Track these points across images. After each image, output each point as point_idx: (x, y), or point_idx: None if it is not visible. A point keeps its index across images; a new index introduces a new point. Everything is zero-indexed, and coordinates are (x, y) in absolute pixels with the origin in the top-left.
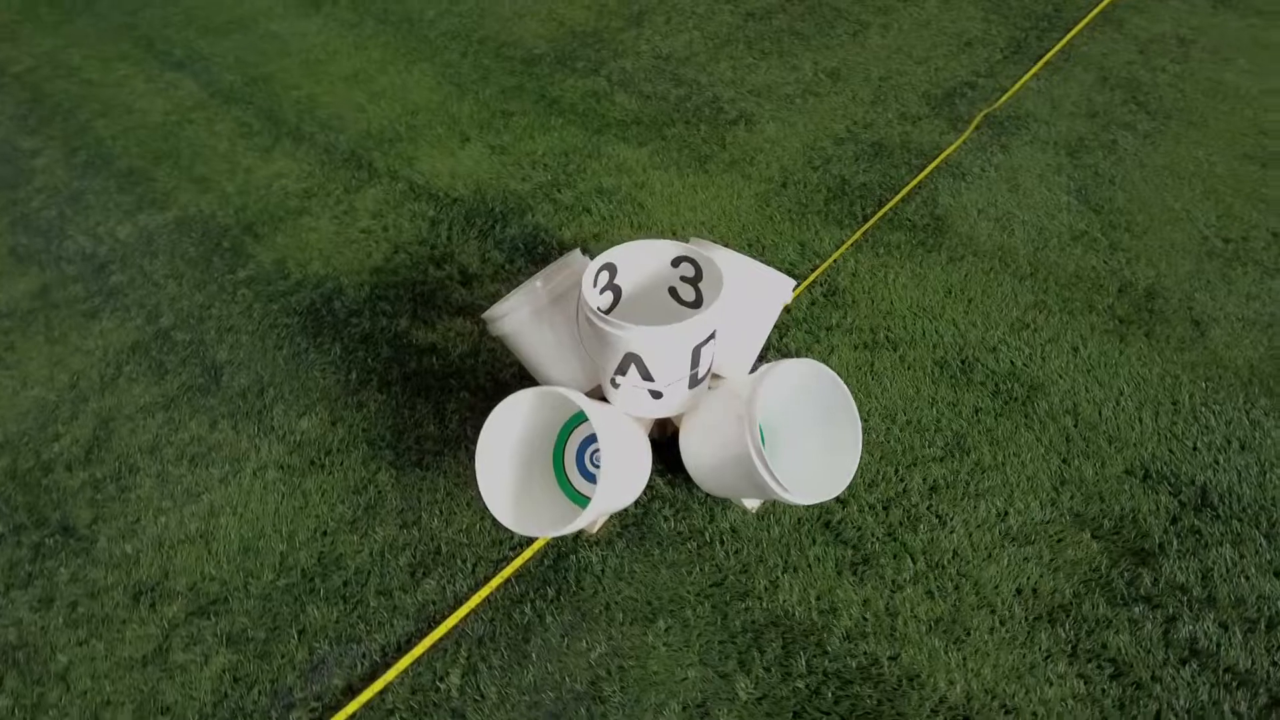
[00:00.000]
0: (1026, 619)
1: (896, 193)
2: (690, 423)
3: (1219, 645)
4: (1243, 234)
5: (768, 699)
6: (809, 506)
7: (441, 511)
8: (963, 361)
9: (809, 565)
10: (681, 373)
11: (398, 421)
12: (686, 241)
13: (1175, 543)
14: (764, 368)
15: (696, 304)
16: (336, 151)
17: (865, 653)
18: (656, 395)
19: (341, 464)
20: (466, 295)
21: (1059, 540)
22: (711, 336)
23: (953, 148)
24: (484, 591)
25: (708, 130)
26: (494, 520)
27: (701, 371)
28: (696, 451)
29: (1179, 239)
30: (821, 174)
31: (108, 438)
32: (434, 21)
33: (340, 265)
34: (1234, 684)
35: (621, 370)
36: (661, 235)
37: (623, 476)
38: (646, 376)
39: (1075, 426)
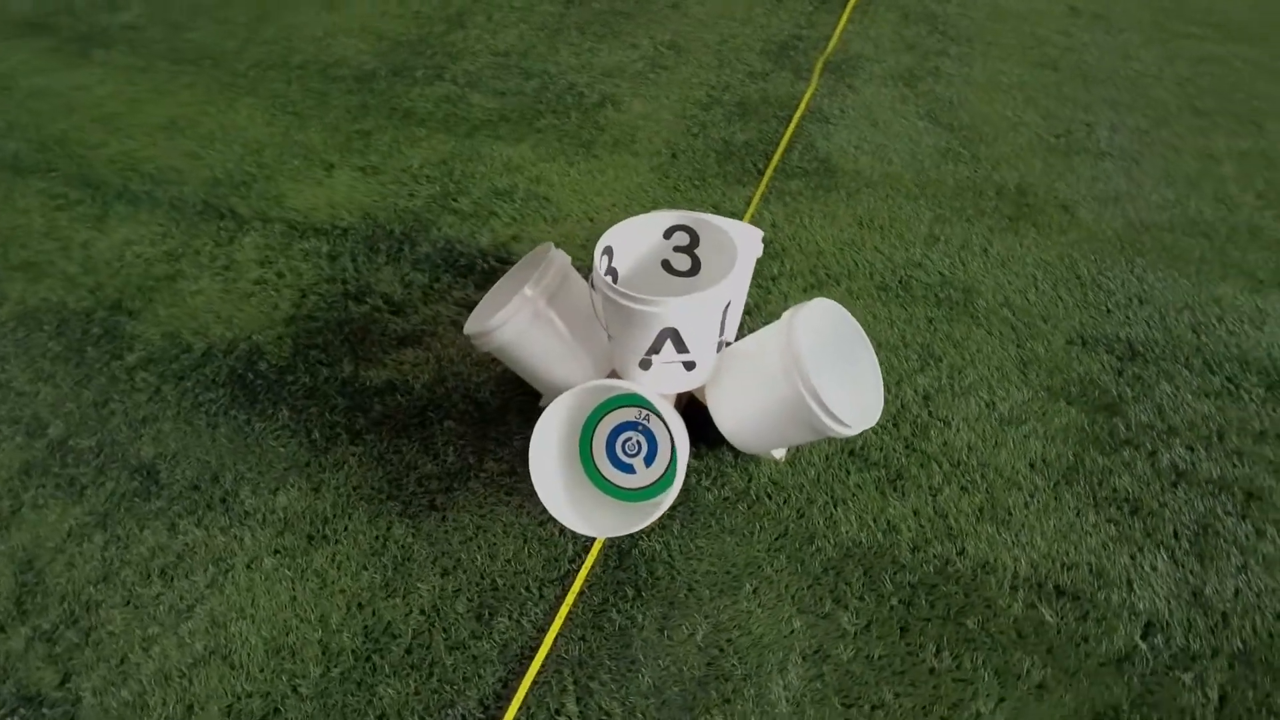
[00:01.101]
0: (1048, 487)
1: (776, 145)
2: (720, 386)
3: (1193, 464)
4: (1066, 129)
5: (873, 624)
6: (831, 441)
7: (480, 546)
8: (900, 282)
9: (853, 494)
10: (713, 339)
11: (389, 470)
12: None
13: (1129, 390)
14: (787, 313)
15: (692, 272)
16: (186, 206)
17: (935, 556)
18: (690, 367)
19: (346, 530)
20: (404, 324)
21: (1043, 414)
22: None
23: (808, 95)
24: (564, 609)
25: (579, 117)
26: (540, 540)
27: (727, 334)
28: (734, 411)
29: (1022, 142)
30: (703, 140)
31: (37, 581)
32: (239, 54)
33: (246, 323)
34: (1216, 491)
35: (655, 349)
36: (578, 224)
37: (686, 451)
38: (682, 349)
39: (1013, 315)
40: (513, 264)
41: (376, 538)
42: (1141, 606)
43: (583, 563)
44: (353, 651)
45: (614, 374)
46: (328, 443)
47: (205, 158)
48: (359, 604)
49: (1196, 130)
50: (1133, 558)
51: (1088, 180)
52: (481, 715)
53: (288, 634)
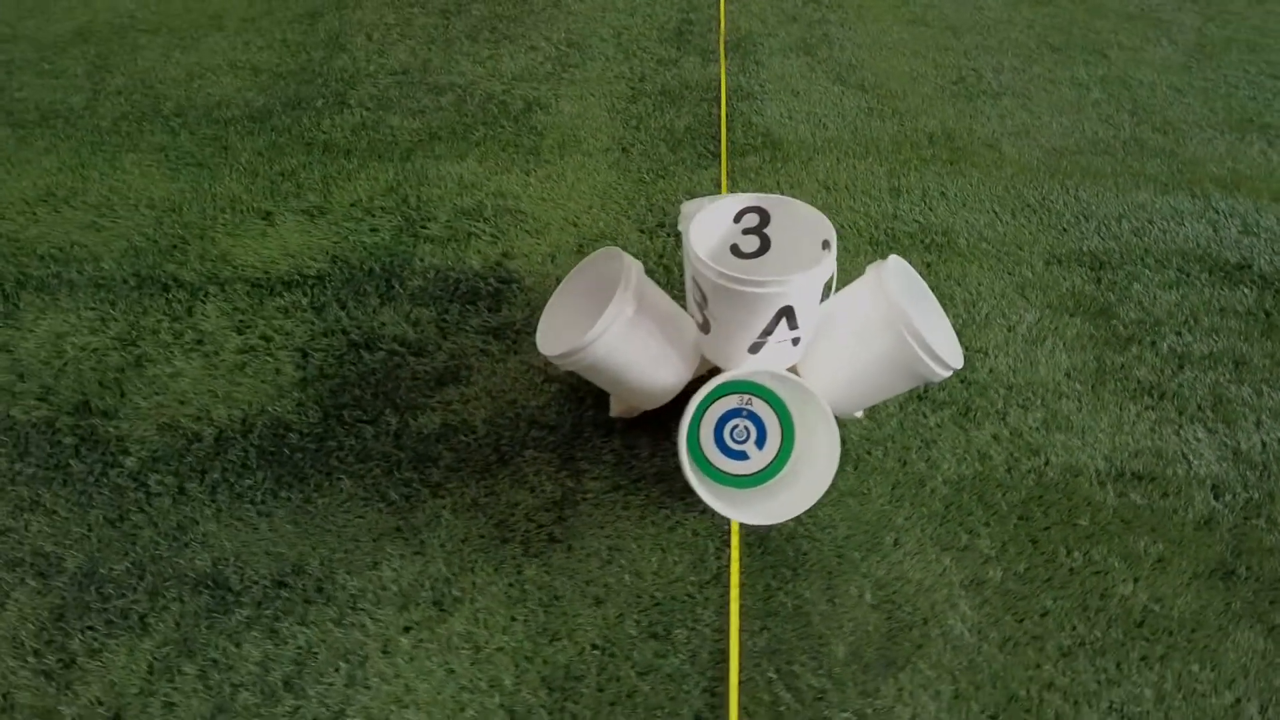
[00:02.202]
0: (1088, 391)
1: (716, 126)
2: (813, 352)
3: (1186, 346)
4: (958, 76)
5: (1007, 544)
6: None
7: (622, 565)
8: (886, 234)
9: (939, 434)
10: (817, 310)
11: (489, 513)
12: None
13: (1111, 295)
14: (870, 270)
15: (760, 252)
16: (115, 283)
17: (1029, 471)
18: (796, 342)
19: (474, 585)
20: (430, 363)
21: (1055, 329)
22: None
23: (724, 75)
24: (734, 605)
25: (511, 125)
26: (679, 545)
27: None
28: (831, 373)
29: (927, 92)
30: (645, 131)
31: None
32: (91, 109)
33: (252, 397)
34: (1212, 364)
35: (769, 330)
36: (563, 231)
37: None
38: (794, 325)
39: (993, 248)
40: (516, 282)
41: (510, 585)
42: (1204, 473)
43: (726, 558)
44: (543, 707)
45: (702, 365)
46: (408, 501)
47: (111, 227)
48: (525, 657)
49: (1059, 64)
50: (1178, 434)
51: (996, 119)
52: None
53: (463, 709)
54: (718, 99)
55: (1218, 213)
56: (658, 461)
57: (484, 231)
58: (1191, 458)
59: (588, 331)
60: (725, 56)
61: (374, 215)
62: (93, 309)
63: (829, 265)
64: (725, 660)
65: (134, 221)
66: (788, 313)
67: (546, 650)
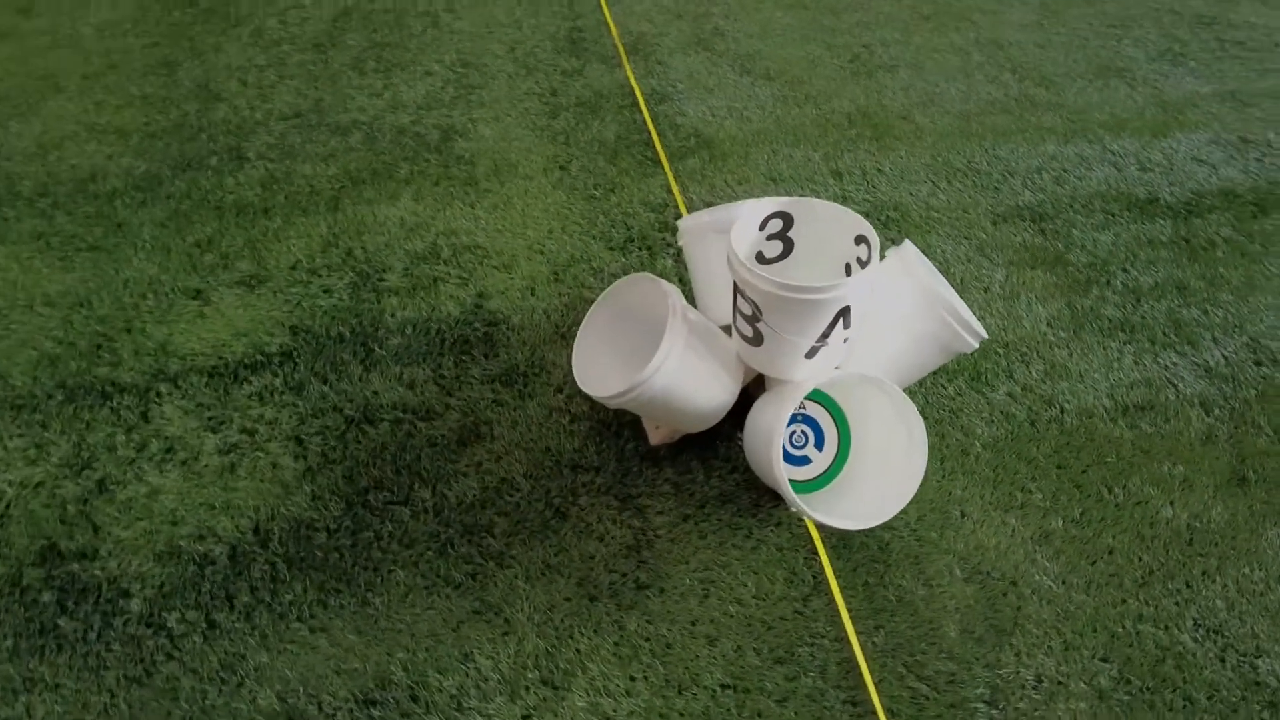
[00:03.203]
0: (1072, 336)
1: (643, 132)
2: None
3: (1135, 279)
4: (852, 55)
5: (1057, 493)
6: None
7: (722, 598)
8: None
9: (962, 403)
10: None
11: (568, 574)
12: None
13: (1058, 243)
14: (891, 255)
15: (783, 256)
16: (39, 401)
17: (1050, 421)
18: (845, 340)
19: (579, 653)
20: (443, 426)
21: (1024, 282)
22: None
23: (634, 80)
24: (844, 611)
25: (435, 157)
26: (769, 564)
27: None
28: (875, 364)
29: (830, 74)
30: (577, 146)
31: None
32: None
33: (256, 501)
34: (1161, 294)
35: (826, 334)
36: (533, 261)
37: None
38: (847, 324)
39: (942, 215)
40: (503, 323)
41: (617, 644)
42: (1190, 393)
43: (818, 567)
44: None
45: (744, 376)
46: (475, 579)
47: (7, 336)
48: (659, 715)
49: (935, 33)
50: (1157, 362)
51: (900, 91)
52: None
53: None
54: (635, 104)
55: (1114, 154)
56: (716, 483)
57: (449, 274)
58: (1176, 382)
59: (641, 366)
60: (629, 60)
61: (321, 275)
62: (20, 436)
63: (875, 267)
64: (855, 669)
65: (34, 325)
66: (844, 313)
67: (679, 703)
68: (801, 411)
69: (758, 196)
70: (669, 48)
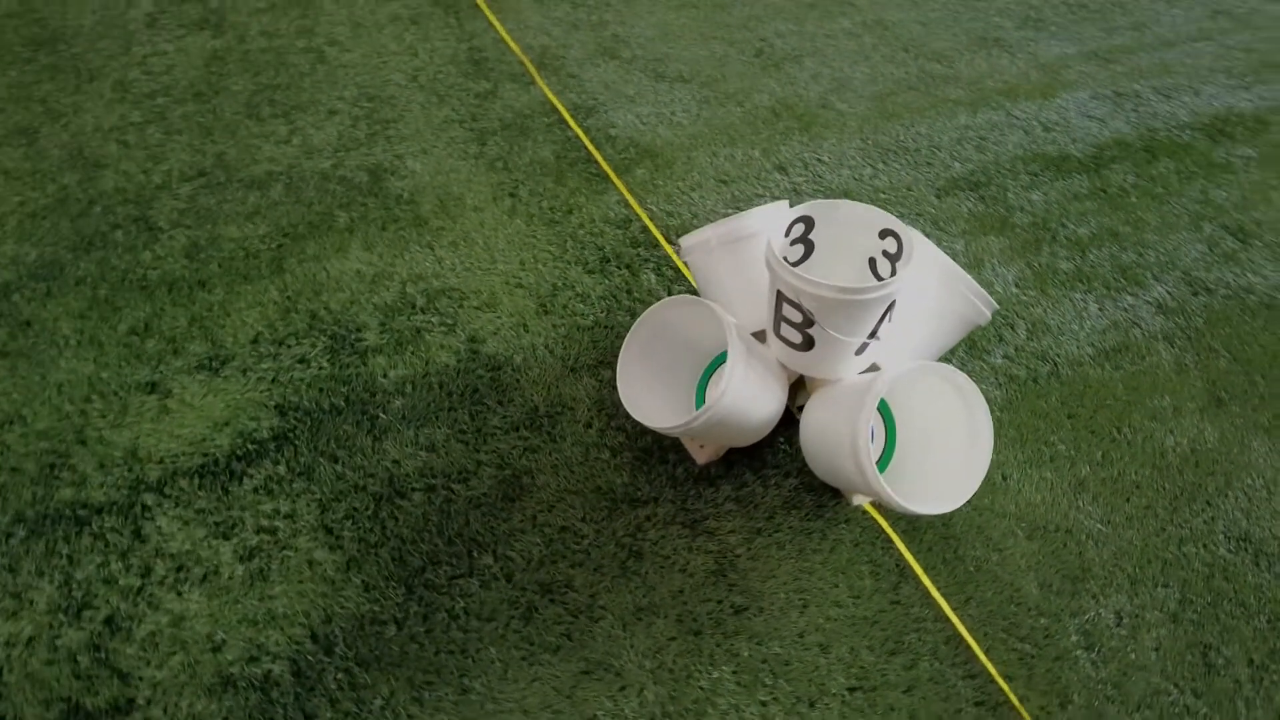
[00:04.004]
0: (1041, 292)
1: (579, 149)
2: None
3: (1075, 232)
4: (755, 50)
5: (1078, 441)
6: None
7: (820, 603)
8: None
9: (966, 370)
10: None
11: (663, 612)
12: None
13: (999, 208)
14: (913, 243)
15: (804, 258)
16: (2, 536)
17: (1048, 376)
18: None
19: (704, 693)
20: (481, 486)
21: (987, 249)
22: None
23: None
24: (935, 593)
25: (373, 200)
26: (852, 562)
27: None
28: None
29: (740, 70)
30: (518, 170)
31: None
32: None
33: (302, 607)
34: (1100, 242)
35: (875, 331)
36: (513, 296)
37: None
38: (891, 318)
39: (890, 195)
40: (506, 365)
41: (736, 672)
42: (1153, 330)
43: (896, 555)
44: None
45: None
46: (572, 639)
47: None
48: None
49: (824, 20)
50: (1117, 305)
51: (811, 80)
52: (990, 710)
53: None
54: (562, 121)
55: (1018, 119)
56: (775, 492)
57: (430, 323)
58: (1138, 322)
59: (687, 390)
60: (539, 76)
61: (290, 345)
62: None
63: (917, 252)
64: (962, 643)
65: None
66: (891, 307)
67: (814, 716)
68: None
69: (716, 200)
70: (576, 59)
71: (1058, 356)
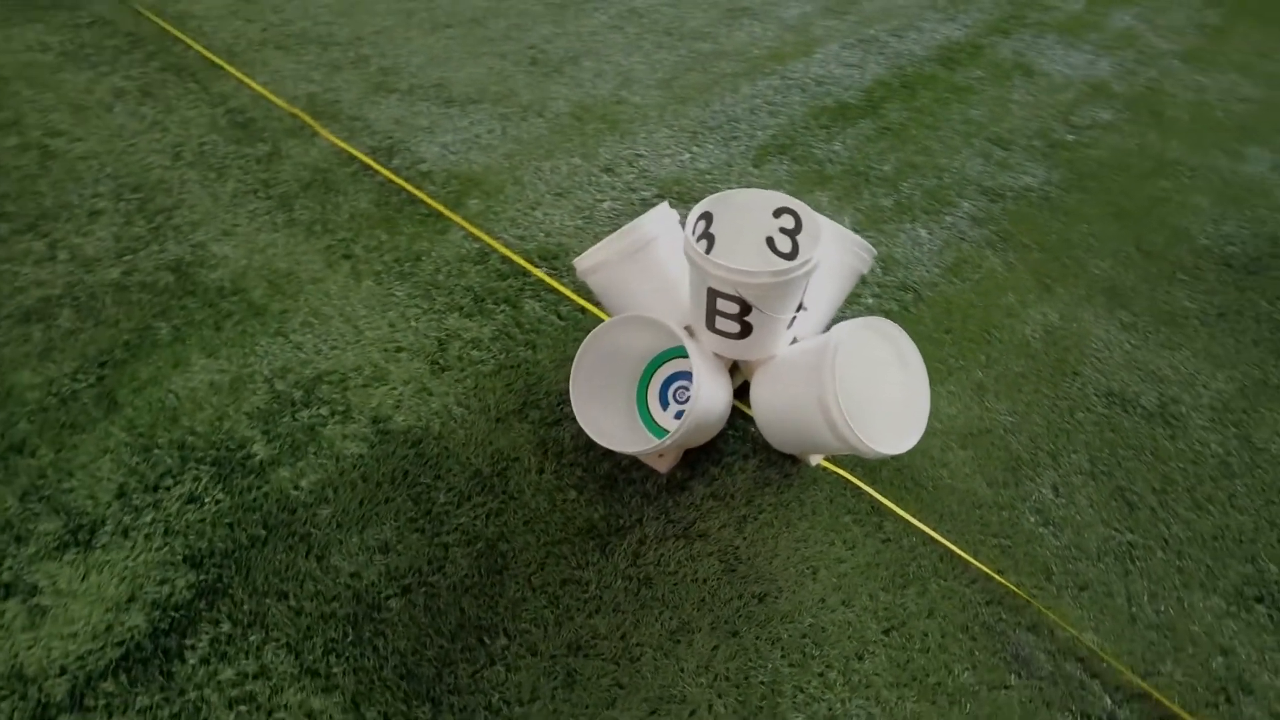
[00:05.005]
0: (877, 227)
1: (402, 193)
2: None
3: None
4: (530, 59)
5: (965, 354)
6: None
7: (829, 565)
8: (651, 204)
9: (860, 310)
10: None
11: (693, 625)
12: None
13: (814, 165)
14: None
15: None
16: None
17: (915, 301)
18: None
19: (772, 685)
20: (459, 570)
21: (949, 227)
22: None
23: (349, 144)
24: (908, 516)
25: (193, 300)
26: (835, 516)
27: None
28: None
29: (525, 81)
30: (342, 229)
31: None
32: None
33: None
34: (1044, 199)
35: (801, 304)
36: (397, 362)
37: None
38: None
39: (732, 176)
40: (429, 437)
41: (784, 655)
42: (977, 239)
43: (868, 499)
44: (913, 700)
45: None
46: (623, 687)
47: None
48: (865, 684)
49: (583, 15)
50: (941, 225)
51: (595, 79)
52: (998, 603)
53: None
54: (365, 169)
55: (793, 79)
56: (742, 476)
57: (321, 416)
58: (962, 236)
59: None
60: (322, 128)
61: (168, 486)
62: None
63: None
64: (951, 556)
65: None
66: (809, 278)
67: (866, 669)
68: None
69: (562, 214)
70: (352, 101)
71: (915, 284)
